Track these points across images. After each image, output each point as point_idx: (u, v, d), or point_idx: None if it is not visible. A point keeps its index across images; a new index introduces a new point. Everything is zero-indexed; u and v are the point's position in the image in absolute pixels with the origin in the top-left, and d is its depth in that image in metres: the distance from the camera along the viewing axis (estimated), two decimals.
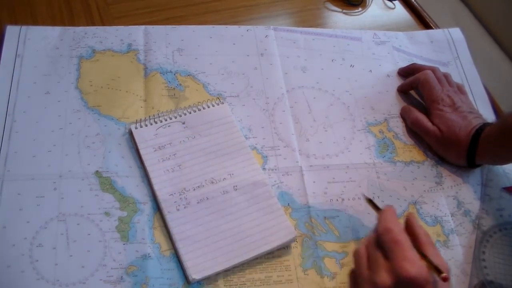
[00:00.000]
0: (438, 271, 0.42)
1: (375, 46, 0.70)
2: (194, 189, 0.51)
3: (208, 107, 0.57)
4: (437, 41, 0.74)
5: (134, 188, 0.51)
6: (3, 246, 0.46)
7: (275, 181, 0.55)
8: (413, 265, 0.41)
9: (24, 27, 0.60)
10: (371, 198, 0.51)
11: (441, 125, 0.59)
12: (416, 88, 0.65)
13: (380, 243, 0.44)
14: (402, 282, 0.41)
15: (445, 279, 0.41)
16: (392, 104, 0.65)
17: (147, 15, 0.68)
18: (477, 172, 0.61)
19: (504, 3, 1.02)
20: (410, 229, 0.46)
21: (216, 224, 0.50)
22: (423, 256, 0.43)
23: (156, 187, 0.51)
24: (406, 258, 0.41)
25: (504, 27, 1.01)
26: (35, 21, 0.63)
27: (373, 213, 0.55)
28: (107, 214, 0.49)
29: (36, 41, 0.59)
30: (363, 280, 0.44)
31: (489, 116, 0.66)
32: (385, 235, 0.44)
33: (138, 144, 0.53)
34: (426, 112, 0.62)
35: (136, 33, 0.63)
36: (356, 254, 0.46)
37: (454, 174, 0.60)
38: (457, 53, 0.73)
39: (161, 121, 0.55)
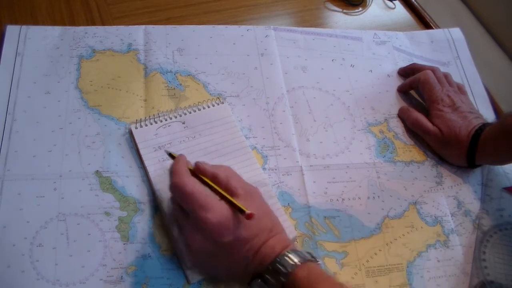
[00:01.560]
0: (240, 210, 0.41)
1: (375, 46, 0.70)
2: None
3: (208, 107, 0.57)
4: (437, 41, 0.74)
5: (134, 188, 0.51)
6: (3, 246, 0.46)
7: (275, 181, 0.55)
8: (212, 212, 0.40)
9: (24, 27, 0.60)
10: (169, 152, 0.50)
11: (441, 125, 0.59)
12: (416, 88, 0.65)
13: (178, 202, 0.44)
14: (209, 232, 0.41)
15: (249, 217, 0.40)
16: (392, 104, 0.65)
17: (147, 15, 0.68)
18: (477, 172, 0.61)
19: (504, 3, 1.02)
20: (203, 173, 0.45)
21: None
22: (223, 197, 0.42)
23: (156, 187, 0.51)
24: (202, 207, 0.41)
25: (504, 27, 1.01)
26: (35, 21, 0.63)
27: (373, 212, 0.55)
28: (107, 214, 0.49)
29: (36, 40, 0.59)
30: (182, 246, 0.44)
31: (489, 116, 0.66)
32: (177, 192, 0.43)
33: (138, 144, 0.53)
34: (426, 112, 0.62)
35: (136, 33, 0.63)
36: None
37: (454, 174, 0.60)
38: (457, 53, 0.73)
39: (161, 121, 0.55)
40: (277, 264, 0.41)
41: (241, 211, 0.41)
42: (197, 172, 0.46)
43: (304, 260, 0.41)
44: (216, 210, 0.41)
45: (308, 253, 0.43)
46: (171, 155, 0.50)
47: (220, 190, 0.43)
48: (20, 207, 0.48)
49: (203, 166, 0.46)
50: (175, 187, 0.43)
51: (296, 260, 0.41)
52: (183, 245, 0.45)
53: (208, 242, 0.42)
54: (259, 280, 0.41)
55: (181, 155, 0.48)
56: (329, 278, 0.42)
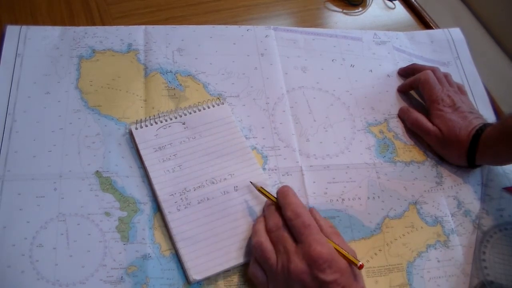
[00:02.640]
0: (353, 260, 0.43)
1: (376, 46, 0.70)
2: (195, 189, 0.51)
3: (209, 107, 0.57)
4: (437, 41, 0.74)
5: (134, 188, 0.51)
6: (3, 246, 0.46)
7: (275, 181, 0.55)
8: (324, 246, 0.42)
9: (24, 27, 0.60)
10: (262, 187, 0.50)
11: (441, 125, 0.59)
12: (416, 88, 0.65)
13: (289, 228, 0.45)
14: (315, 264, 0.41)
15: (361, 267, 0.42)
16: (392, 104, 0.65)
17: (147, 15, 0.68)
18: (477, 172, 0.61)
19: (504, 3, 1.02)
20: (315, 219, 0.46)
21: (216, 224, 0.50)
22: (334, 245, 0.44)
23: (156, 187, 0.51)
24: (316, 240, 0.42)
25: (504, 27, 1.01)
26: (35, 21, 0.63)
27: (373, 212, 0.55)
28: (107, 214, 0.49)
29: (36, 41, 0.59)
30: (275, 271, 0.43)
31: (489, 116, 0.66)
32: (295, 220, 0.44)
33: (138, 145, 0.53)
34: (426, 112, 0.62)
35: (136, 33, 0.63)
36: (259, 246, 0.45)
37: (454, 174, 0.60)
38: (457, 53, 0.73)
39: (161, 122, 0.55)
40: None
41: (354, 260, 0.43)
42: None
43: None
44: (327, 247, 0.42)
45: None
46: (265, 193, 0.50)
47: (339, 248, 0.44)
48: (20, 207, 0.48)
49: (315, 215, 0.48)
50: (296, 215, 0.44)
51: None
52: (275, 273, 0.44)
53: (309, 275, 0.41)
54: None
55: (288, 188, 0.48)
56: None
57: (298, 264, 0.42)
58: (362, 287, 0.44)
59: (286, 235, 0.44)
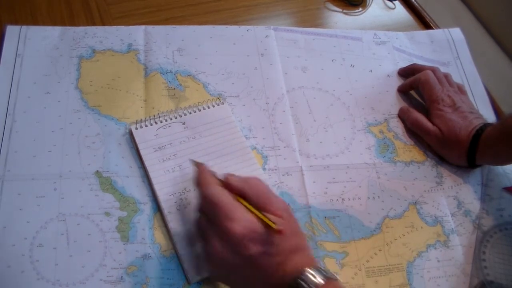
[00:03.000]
0: (269, 225, 0.39)
1: (376, 46, 0.70)
2: (195, 189, 0.51)
3: (209, 107, 0.57)
4: (437, 41, 0.74)
5: (134, 188, 0.51)
6: (3, 246, 0.46)
7: (275, 181, 0.55)
8: (239, 222, 0.39)
9: (24, 27, 0.60)
10: (194, 160, 0.49)
11: (441, 125, 0.59)
12: (417, 88, 0.65)
13: (204, 211, 0.43)
14: (233, 243, 0.40)
15: (280, 233, 0.39)
16: (392, 104, 0.65)
17: (147, 15, 0.68)
18: (477, 172, 0.61)
19: (504, 3, 1.02)
20: (232, 187, 0.44)
21: None
22: (251, 210, 0.41)
23: (156, 187, 0.51)
24: (228, 217, 0.40)
25: (504, 27, 1.01)
26: (35, 21, 0.63)
27: (373, 212, 0.55)
28: (107, 214, 0.49)
29: (36, 41, 0.59)
30: (204, 255, 0.43)
31: (489, 116, 0.66)
32: (204, 202, 0.43)
33: (138, 145, 0.53)
34: (426, 112, 0.62)
35: (136, 33, 0.63)
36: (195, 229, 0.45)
37: (455, 174, 0.60)
38: (457, 53, 0.73)
39: (161, 122, 0.55)
40: (301, 282, 0.39)
41: (270, 226, 0.40)
42: (226, 186, 0.44)
43: (327, 278, 0.40)
44: (243, 220, 0.40)
45: (326, 270, 0.41)
46: (197, 164, 0.48)
47: (248, 206, 0.42)
48: (20, 207, 0.48)
49: (231, 180, 0.44)
50: (203, 196, 0.43)
51: (319, 278, 0.39)
52: (203, 256, 0.44)
53: (231, 254, 0.40)
54: None
55: (201, 165, 0.47)
56: None
57: (216, 245, 0.41)
58: (293, 245, 0.42)
59: (203, 218, 0.44)
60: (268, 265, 0.40)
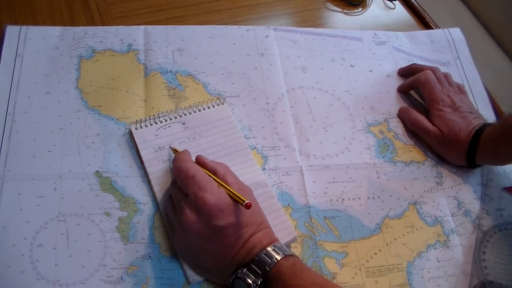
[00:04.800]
0: (240, 199, 0.43)
1: (375, 46, 0.70)
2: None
3: (209, 107, 0.57)
4: (437, 41, 0.74)
5: (134, 188, 0.51)
6: (3, 246, 0.46)
7: (275, 181, 0.55)
8: (211, 193, 0.43)
9: (24, 27, 0.60)
10: (174, 148, 0.53)
11: (441, 125, 0.59)
12: (416, 88, 0.65)
13: (178, 185, 0.46)
14: (204, 212, 0.43)
15: (248, 206, 0.42)
16: (392, 104, 0.65)
17: (147, 15, 0.68)
18: (477, 172, 0.61)
19: (504, 3, 1.02)
20: (203, 165, 0.48)
21: None
22: (222, 185, 0.45)
23: (156, 188, 0.51)
24: (202, 189, 0.43)
25: (504, 27, 1.01)
26: (35, 21, 0.63)
27: (373, 212, 0.55)
28: (107, 214, 0.49)
29: (36, 41, 0.59)
30: (175, 227, 0.46)
31: (489, 116, 0.66)
32: (179, 175, 0.46)
33: (138, 145, 0.53)
34: (426, 112, 0.62)
35: (136, 33, 0.63)
36: (164, 208, 0.49)
37: (454, 174, 0.60)
38: (457, 53, 0.73)
39: (161, 122, 0.55)
40: (263, 255, 0.43)
41: (238, 200, 0.43)
42: (197, 163, 0.48)
43: (289, 255, 0.43)
44: (215, 192, 0.43)
45: (287, 249, 0.45)
46: (176, 151, 0.51)
47: (220, 181, 0.45)
48: (20, 207, 0.48)
49: (204, 160, 0.49)
50: (178, 170, 0.46)
51: (281, 253, 0.43)
52: (176, 228, 0.46)
53: (202, 224, 0.43)
54: (245, 269, 0.42)
55: (185, 149, 0.51)
56: (312, 270, 0.45)
57: (189, 215, 0.43)
58: (258, 221, 0.45)
59: (177, 191, 0.46)
60: (235, 237, 0.43)
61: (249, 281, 0.42)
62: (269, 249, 0.43)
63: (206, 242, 0.44)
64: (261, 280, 0.42)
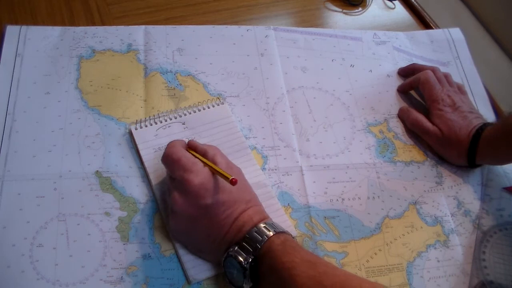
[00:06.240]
0: (225, 176, 0.43)
1: (375, 46, 0.70)
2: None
3: (208, 107, 0.57)
4: (437, 41, 0.74)
5: (134, 188, 0.51)
6: (3, 246, 0.46)
7: (275, 181, 0.55)
8: (196, 174, 0.44)
9: (24, 27, 0.60)
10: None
11: (441, 125, 0.59)
12: (416, 88, 0.65)
13: (167, 170, 0.48)
14: (190, 192, 0.43)
15: (233, 182, 0.43)
16: (392, 104, 0.65)
17: (147, 15, 0.68)
18: (477, 172, 0.61)
19: (504, 3, 1.02)
20: (194, 148, 0.49)
21: None
22: (208, 165, 0.45)
23: (156, 188, 0.51)
24: (187, 170, 0.44)
25: (504, 27, 1.01)
26: (35, 21, 0.63)
27: (373, 212, 0.55)
28: (107, 214, 0.49)
29: (36, 41, 0.59)
30: (167, 211, 0.48)
31: (489, 116, 0.66)
32: (166, 161, 0.47)
33: (138, 145, 0.53)
34: (426, 112, 0.62)
35: (136, 33, 0.63)
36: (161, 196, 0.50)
37: (454, 174, 0.60)
38: (457, 53, 0.73)
39: (161, 122, 0.55)
40: (254, 233, 0.43)
41: (224, 177, 0.43)
42: (189, 146, 0.49)
43: (280, 231, 0.44)
44: (200, 172, 0.44)
45: (278, 226, 0.45)
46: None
47: (206, 161, 0.46)
48: (20, 207, 0.48)
49: (195, 143, 0.49)
50: (165, 156, 0.47)
51: (272, 230, 0.43)
52: (168, 212, 0.47)
53: (190, 204, 0.44)
54: (236, 247, 0.43)
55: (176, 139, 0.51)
56: (304, 248, 0.45)
57: (177, 197, 0.44)
58: (246, 199, 0.46)
59: (167, 176, 0.48)
60: (224, 215, 0.44)
61: (241, 258, 0.42)
62: (260, 225, 0.43)
63: (195, 222, 0.45)
64: (252, 257, 0.42)
